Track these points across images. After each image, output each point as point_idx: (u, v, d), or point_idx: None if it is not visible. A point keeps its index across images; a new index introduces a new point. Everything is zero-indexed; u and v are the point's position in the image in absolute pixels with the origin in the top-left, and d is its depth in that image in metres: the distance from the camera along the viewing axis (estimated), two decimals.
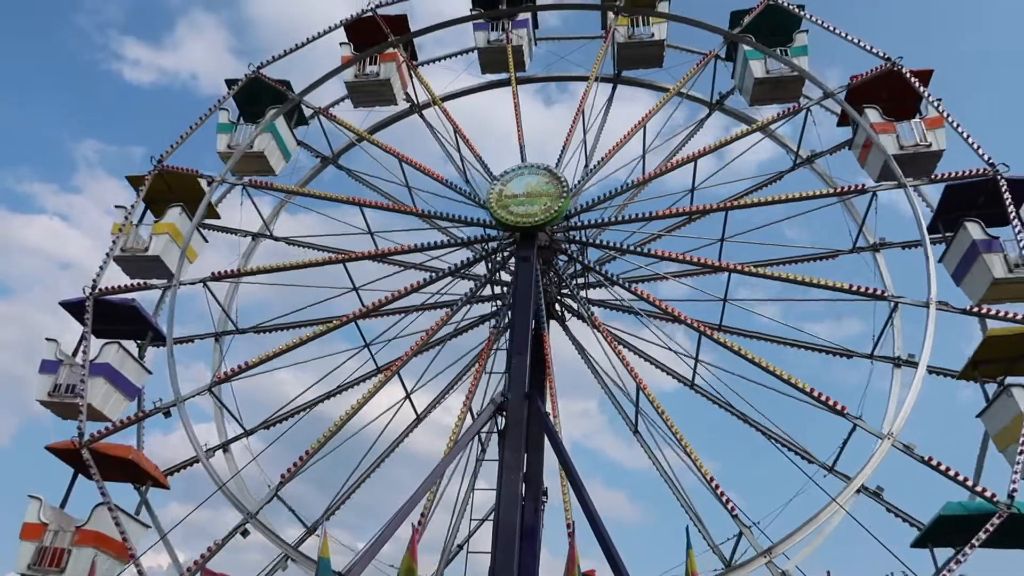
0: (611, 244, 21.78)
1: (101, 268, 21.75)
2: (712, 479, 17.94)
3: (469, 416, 19.85)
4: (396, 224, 24.55)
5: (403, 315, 22.25)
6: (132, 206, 23.01)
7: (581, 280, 22.47)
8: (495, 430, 19.52)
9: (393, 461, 21.78)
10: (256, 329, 23.26)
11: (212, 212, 23.85)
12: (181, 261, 22.20)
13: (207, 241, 23.74)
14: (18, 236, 66.55)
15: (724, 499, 17.69)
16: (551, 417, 18.31)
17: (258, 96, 24.92)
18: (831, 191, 21.34)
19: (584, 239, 22.03)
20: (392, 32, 25.55)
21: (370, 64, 25.09)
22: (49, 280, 67.26)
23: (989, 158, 20.22)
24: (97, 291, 21.26)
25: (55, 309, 21.61)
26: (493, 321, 21.63)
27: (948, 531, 16.85)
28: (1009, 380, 18.22)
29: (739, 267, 20.43)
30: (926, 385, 18.77)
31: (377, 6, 25.90)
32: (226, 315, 23.43)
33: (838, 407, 17.95)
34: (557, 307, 23.05)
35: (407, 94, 26.29)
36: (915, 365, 18.49)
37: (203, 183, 23.43)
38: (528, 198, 20.58)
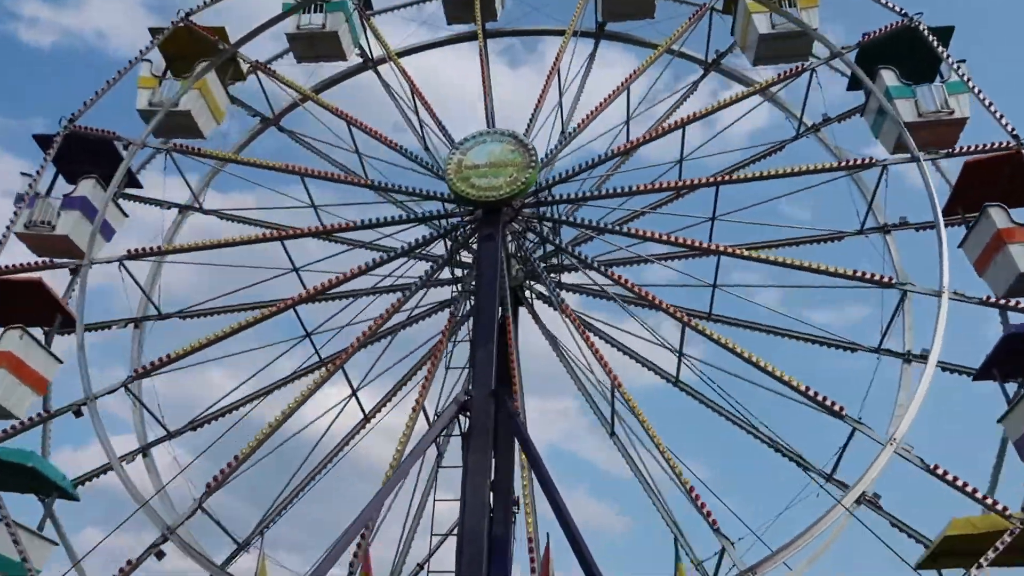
0: (587, 222, 21.39)
1: (0, 243, 20.95)
2: (692, 489, 17.69)
3: (423, 417, 19.47)
4: (344, 197, 24.35)
5: (350, 301, 21.64)
6: (38, 171, 22.09)
7: (553, 262, 22.13)
8: (457, 432, 19.28)
9: (349, 472, 21.48)
10: (181, 314, 22.50)
11: (132, 181, 23.01)
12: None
13: (126, 215, 23.00)
14: None
15: (705, 511, 17.47)
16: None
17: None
18: (835, 164, 20.84)
19: (556, 216, 21.60)
20: None
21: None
22: None
23: (1013, 129, 19.70)
24: None
25: None
26: (452, 308, 21.10)
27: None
28: None
29: (730, 249, 20.09)
30: (942, 382, 18.48)
31: None
32: (147, 298, 22.69)
33: (836, 407, 17.64)
34: (527, 292, 22.59)
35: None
36: (926, 360, 17.91)
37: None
38: (491, 168, 20.15)
